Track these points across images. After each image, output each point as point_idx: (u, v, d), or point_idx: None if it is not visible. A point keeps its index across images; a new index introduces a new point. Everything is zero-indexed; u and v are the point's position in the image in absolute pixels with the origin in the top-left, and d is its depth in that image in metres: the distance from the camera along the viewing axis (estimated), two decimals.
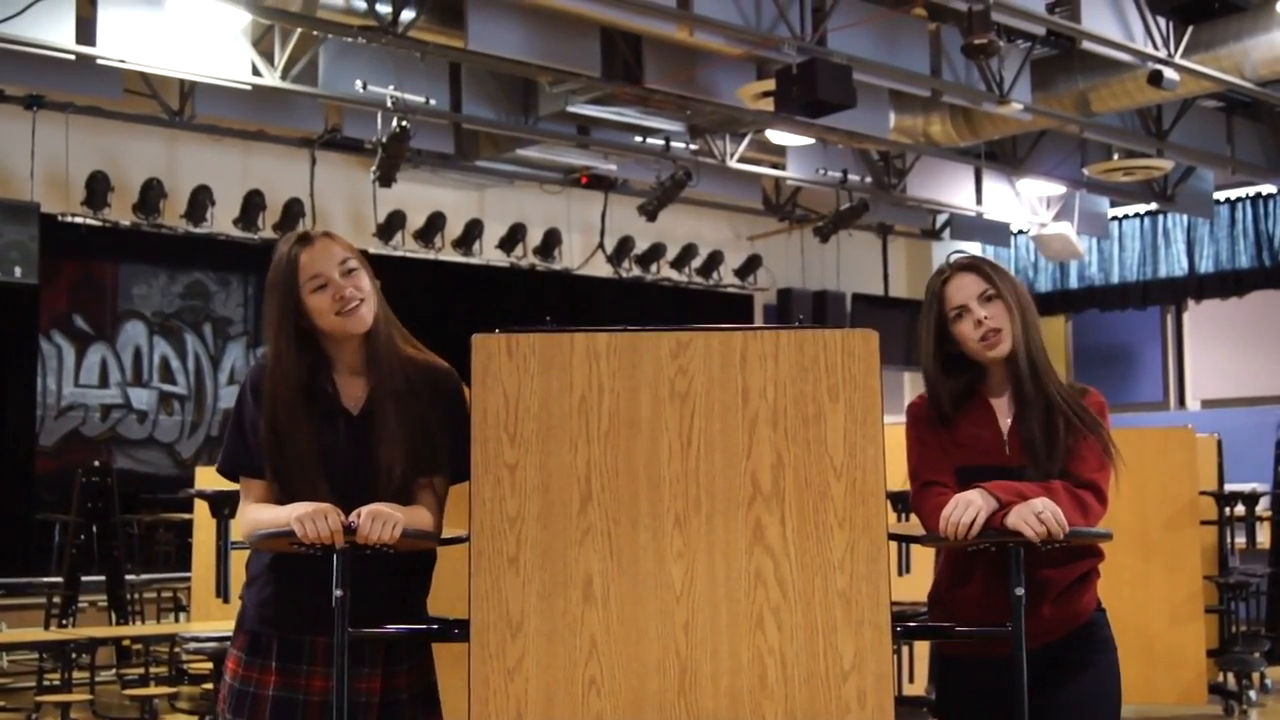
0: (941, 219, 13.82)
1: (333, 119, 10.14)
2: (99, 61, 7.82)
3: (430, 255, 11.41)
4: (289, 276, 2.66)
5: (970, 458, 2.76)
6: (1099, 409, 2.81)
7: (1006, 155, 11.57)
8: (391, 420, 2.66)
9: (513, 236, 11.90)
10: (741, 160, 10.71)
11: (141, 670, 7.73)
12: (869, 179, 11.47)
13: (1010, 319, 2.76)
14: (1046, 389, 2.75)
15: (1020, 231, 13.72)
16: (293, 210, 10.65)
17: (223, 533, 4.75)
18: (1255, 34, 8.59)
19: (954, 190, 12.09)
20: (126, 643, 7.88)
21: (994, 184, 12.24)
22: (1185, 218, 13.32)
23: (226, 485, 2.79)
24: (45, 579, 8.72)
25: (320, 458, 2.63)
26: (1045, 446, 2.72)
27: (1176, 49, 8.59)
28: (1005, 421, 2.79)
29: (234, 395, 3.02)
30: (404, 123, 8.77)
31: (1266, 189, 12.83)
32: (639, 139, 10.24)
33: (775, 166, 11.20)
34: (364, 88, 8.65)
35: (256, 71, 8.42)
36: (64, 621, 8.07)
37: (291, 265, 2.66)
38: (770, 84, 8.17)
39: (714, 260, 12.93)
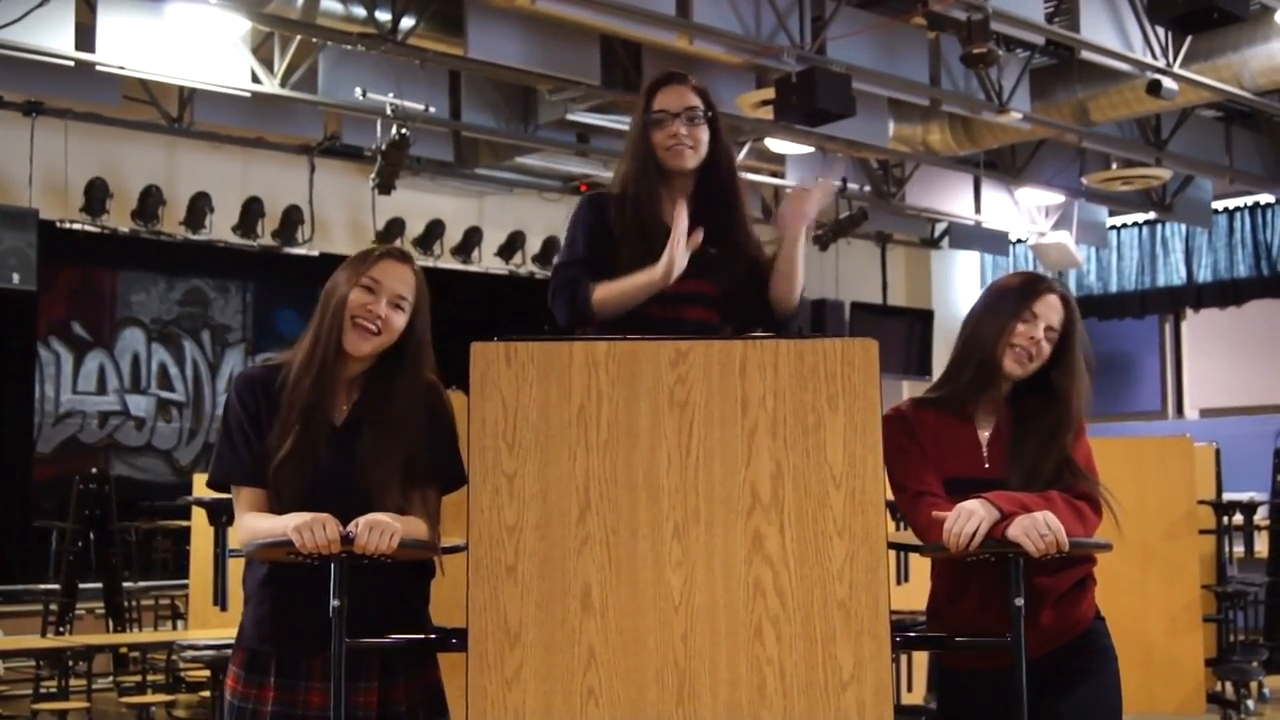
0: (940, 228, 13.82)
1: (332, 126, 10.15)
2: (98, 68, 7.82)
3: (429, 263, 11.41)
4: (363, 265, 2.71)
5: (950, 468, 2.77)
6: (1079, 426, 2.83)
7: (1005, 164, 11.58)
8: (372, 434, 2.66)
9: (512, 244, 11.91)
10: (741, 168, 10.64)
11: (139, 678, 7.71)
12: (868, 188, 11.48)
13: (1067, 380, 2.79)
14: (1041, 409, 2.77)
15: (1019, 240, 13.72)
16: (292, 217, 10.65)
17: (220, 540, 4.73)
18: (1254, 44, 8.61)
19: (953, 199, 12.10)
20: (124, 650, 7.86)
21: (993, 193, 12.25)
22: (1184, 227, 13.33)
23: (226, 493, 2.78)
24: (42, 586, 8.71)
25: (309, 465, 2.63)
26: (1037, 463, 2.73)
27: (1175, 59, 8.60)
28: (984, 434, 2.81)
29: None
30: (403, 130, 8.78)
31: (1265, 198, 12.83)
32: None
33: (774, 175, 11.21)
34: (363, 95, 8.65)
35: (256, 78, 8.43)
36: (61, 629, 8.05)
37: (365, 261, 2.71)
38: (769, 92, 8.17)
39: None
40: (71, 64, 7.73)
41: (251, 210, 10.47)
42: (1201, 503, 6.58)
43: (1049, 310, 2.80)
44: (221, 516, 4.61)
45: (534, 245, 12.06)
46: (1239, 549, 8.15)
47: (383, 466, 2.64)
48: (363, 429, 2.67)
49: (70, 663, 6.97)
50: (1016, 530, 2.54)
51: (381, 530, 2.47)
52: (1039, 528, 2.53)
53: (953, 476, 2.75)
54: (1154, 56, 8.53)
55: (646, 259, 2.97)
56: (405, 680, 2.70)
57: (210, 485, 2.76)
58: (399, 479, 2.65)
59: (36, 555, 9.17)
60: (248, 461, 2.66)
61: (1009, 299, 2.83)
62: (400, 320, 2.69)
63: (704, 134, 3.08)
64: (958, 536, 2.56)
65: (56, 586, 8.30)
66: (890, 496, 2.65)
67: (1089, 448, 2.84)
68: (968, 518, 2.57)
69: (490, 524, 2.46)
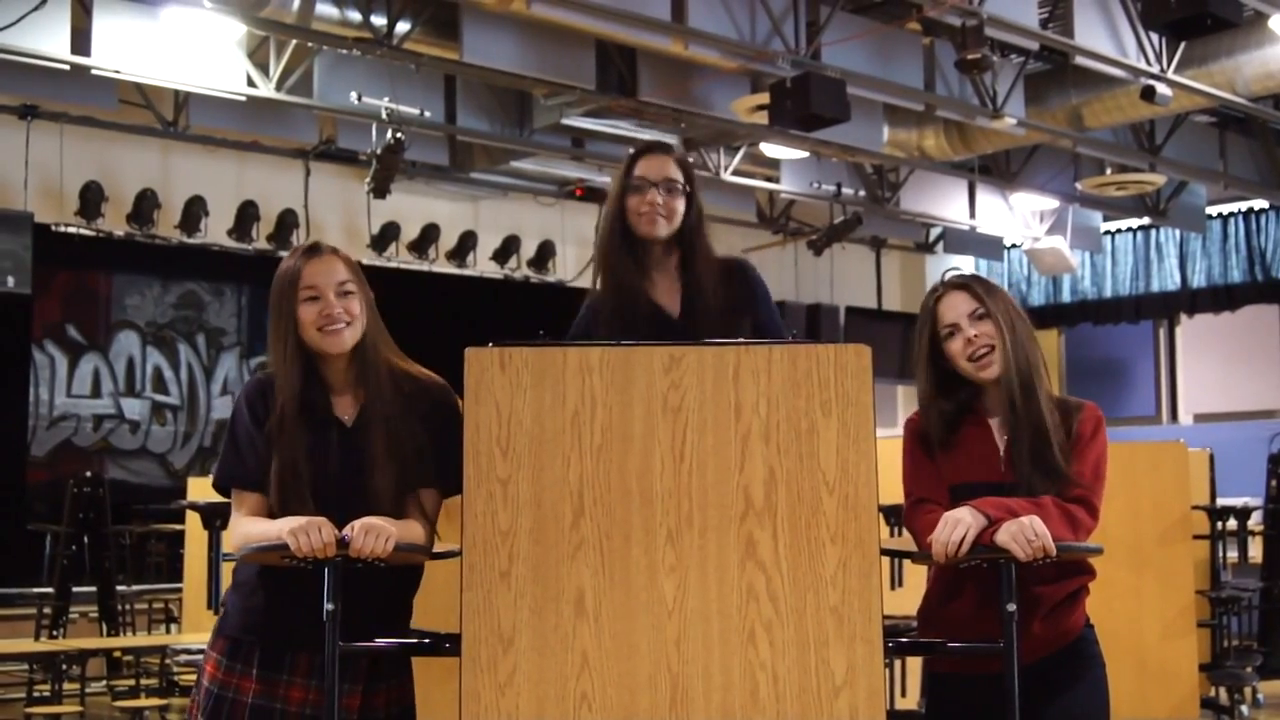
0: (935, 233, 13.84)
1: (327, 130, 10.15)
2: (94, 72, 7.82)
3: (424, 267, 11.42)
4: (289, 285, 2.70)
5: (966, 475, 2.76)
6: (1095, 424, 2.80)
7: (1000, 169, 11.60)
8: (381, 436, 2.67)
9: (507, 248, 11.91)
10: (735, 173, 10.73)
11: (132, 681, 7.70)
12: (863, 192, 11.49)
13: (1000, 338, 2.76)
14: (1035, 411, 2.74)
15: (1013, 245, 13.74)
16: (287, 221, 10.65)
17: (214, 544, 4.74)
18: (1248, 50, 8.62)
19: (947, 204, 12.11)
20: (117, 654, 7.85)
21: (987, 198, 12.27)
22: (1178, 232, 13.36)
23: (218, 496, 2.79)
24: (36, 589, 8.70)
25: (311, 468, 2.64)
26: (1035, 468, 2.72)
27: (1169, 64, 8.62)
28: (1001, 439, 2.79)
29: (227, 406, 3.04)
30: (398, 134, 8.78)
31: (1258, 204, 12.86)
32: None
33: (769, 180, 11.22)
34: (359, 99, 8.66)
35: (251, 82, 8.43)
36: (55, 632, 8.04)
37: (293, 274, 2.71)
38: (764, 97, 8.18)
39: None
40: (67, 67, 7.72)
41: (246, 214, 10.47)
42: (1196, 508, 6.59)
43: (957, 307, 2.78)
44: (215, 520, 4.61)
45: (529, 249, 12.06)
46: (1233, 554, 8.16)
47: (380, 468, 2.65)
48: (363, 430, 2.68)
49: (64, 666, 6.97)
50: (1004, 536, 2.54)
51: (377, 534, 2.47)
52: (1026, 533, 2.53)
53: (970, 482, 2.73)
54: (1148, 62, 8.54)
55: (616, 326, 3.00)
56: (387, 687, 2.71)
57: (216, 488, 2.77)
58: (397, 479, 2.66)
59: (30, 558, 9.16)
60: (252, 466, 2.67)
61: (924, 323, 2.83)
62: (356, 304, 2.71)
63: (679, 205, 3.12)
64: (944, 545, 2.56)
65: (50, 590, 8.29)
66: (884, 502, 2.65)
67: (1103, 449, 2.79)
68: (954, 526, 2.57)
69: (484, 529, 2.46)
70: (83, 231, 9.86)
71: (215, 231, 10.42)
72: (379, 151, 8.96)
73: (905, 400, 12.62)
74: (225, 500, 2.76)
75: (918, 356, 2.83)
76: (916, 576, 3.01)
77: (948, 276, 2.87)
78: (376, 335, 2.75)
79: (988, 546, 2.56)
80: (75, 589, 8.22)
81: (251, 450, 2.67)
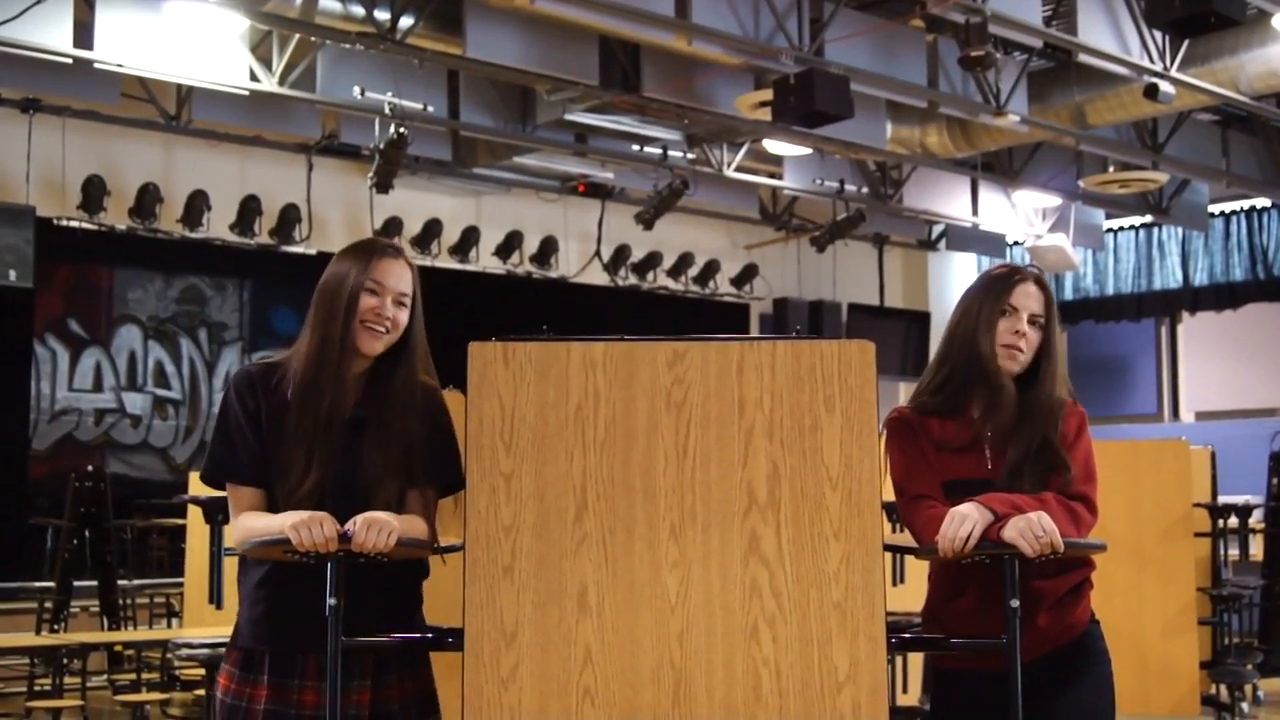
0: (937, 230, 13.84)
1: (330, 125, 10.14)
2: (96, 65, 7.81)
3: (426, 262, 11.41)
4: (359, 271, 2.68)
5: (953, 470, 2.76)
6: (1080, 421, 2.82)
7: (1002, 167, 11.59)
8: (376, 435, 2.66)
9: (509, 244, 11.91)
10: (738, 169, 10.72)
11: (133, 676, 7.71)
12: (865, 189, 11.48)
13: (1040, 349, 2.81)
14: (1037, 423, 2.76)
15: (1016, 243, 13.73)
16: (289, 216, 10.65)
17: (216, 538, 4.73)
18: (1250, 48, 8.61)
19: (950, 201, 12.11)
20: (118, 648, 7.85)
21: (990, 195, 12.26)
22: (1180, 230, 13.35)
23: (220, 491, 2.79)
24: (37, 584, 8.69)
25: (309, 464, 2.63)
26: (1024, 475, 2.73)
27: (1172, 62, 8.61)
28: (987, 434, 2.80)
29: None
30: (401, 129, 8.77)
31: (1261, 202, 12.85)
32: (636, 147, 10.25)
33: (772, 176, 11.21)
34: (362, 94, 8.65)
35: (254, 77, 8.42)
36: (56, 626, 8.05)
37: (367, 264, 2.69)
38: (768, 94, 8.17)
39: (710, 269, 12.94)
40: (69, 61, 7.72)
41: (249, 208, 10.47)
42: (1197, 506, 6.59)
43: (1028, 299, 2.81)
44: (217, 515, 4.60)
45: (531, 245, 12.06)
46: (1234, 552, 8.15)
47: (382, 464, 2.64)
48: (364, 426, 2.68)
49: (65, 660, 6.97)
50: (1012, 532, 2.54)
51: (379, 528, 2.47)
52: (1034, 529, 2.53)
53: (957, 479, 2.74)
54: (1151, 60, 8.53)
55: None
56: (398, 679, 2.70)
57: (204, 481, 2.76)
58: (397, 477, 2.65)
59: (32, 552, 9.16)
60: (245, 461, 2.66)
61: (988, 296, 2.83)
62: (405, 317, 2.71)
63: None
64: (951, 541, 2.56)
65: (51, 584, 8.29)
66: (887, 498, 2.65)
67: (1090, 446, 2.82)
68: (960, 521, 2.57)
69: (487, 524, 2.46)
70: (85, 225, 9.85)
71: (217, 226, 10.42)
72: (382, 146, 8.96)
73: (907, 397, 12.61)
74: (224, 494, 2.76)
75: (975, 325, 2.80)
76: (918, 573, 3.00)
77: (1030, 269, 2.88)
78: (413, 348, 2.73)
79: (994, 542, 2.56)
80: (76, 583, 8.22)
81: (243, 443, 2.66)
